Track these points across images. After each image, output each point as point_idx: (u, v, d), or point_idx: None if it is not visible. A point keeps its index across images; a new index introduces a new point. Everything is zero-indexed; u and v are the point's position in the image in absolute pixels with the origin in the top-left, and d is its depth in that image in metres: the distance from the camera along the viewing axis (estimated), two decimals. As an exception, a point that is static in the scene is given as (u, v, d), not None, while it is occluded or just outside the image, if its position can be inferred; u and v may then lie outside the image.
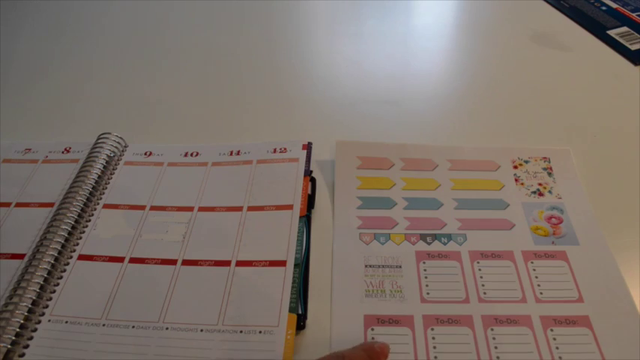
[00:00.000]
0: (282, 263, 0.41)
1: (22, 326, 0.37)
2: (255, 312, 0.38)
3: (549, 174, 0.47)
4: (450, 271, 0.41)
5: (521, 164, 0.48)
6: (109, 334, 0.37)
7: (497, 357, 0.35)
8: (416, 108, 0.56)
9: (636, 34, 0.64)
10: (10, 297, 0.39)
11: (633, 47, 0.62)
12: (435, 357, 0.36)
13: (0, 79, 0.63)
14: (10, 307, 0.38)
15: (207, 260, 0.42)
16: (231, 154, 0.50)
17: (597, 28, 0.66)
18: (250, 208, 0.45)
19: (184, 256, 0.42)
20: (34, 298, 0.39)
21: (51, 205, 0.46)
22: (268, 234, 0.43)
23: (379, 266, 0.41)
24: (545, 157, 0.48)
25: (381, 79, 0.60)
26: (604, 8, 0.69)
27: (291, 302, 0.38)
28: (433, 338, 0.37)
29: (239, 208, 0.45)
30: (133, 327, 0.37)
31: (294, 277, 0.40)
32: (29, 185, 0.49)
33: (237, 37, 0.69)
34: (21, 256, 0.43)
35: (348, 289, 0.40)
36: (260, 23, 0.72)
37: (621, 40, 0.63)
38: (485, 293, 0.39)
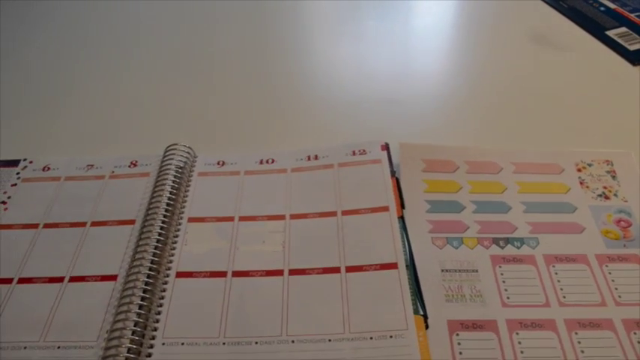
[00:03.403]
0: (394, 265, 0.41)
1: (133, 351, 0.36)
2: (379, 316, 0.38)
3: (613, 177, 0.47)
4: (527, 275, 0.41)
5: (584, 167, 0.48)
6: (232, 352, 0.36)
7: (584, 360, 0.36)
8: (419, 107, 0.58)
9: (635, 35, 0.64)
10: (114, 322, 0.37)
11: (632, 48, 0.63)
12: (525, 361, 0.36)
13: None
14: (116, 334, 0.36)
15: (315, 268, 0.41)
16: (309, 158, 0.49)
17: (596, 28, 0.66)
18: (345, 213, 0.45)
19: (290, 266, 0.41)
20: (139, 320, 0.37)
21: (131, 222, 0.45)
22: (370, 237, 0.43)
23: (456, 270, 0.41)
24: (607, 160, 0.49)
25: (386, 78, 0.62)
26: (603, 9, 0.70)
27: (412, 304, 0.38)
28: (519, 343, 0.37)
29: (333, 213, 0.45)
30: (257, 343, 0.37)
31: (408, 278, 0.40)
32: (101, 202, 0.47)
33: (252, 39, 0.69)
34: (113, 278, 0.41)
35: (428, 295, 0.40)
36: (262, 23, 0.72)
37: (620, 41, 0.64)
38: (565, 297, 0.40)
